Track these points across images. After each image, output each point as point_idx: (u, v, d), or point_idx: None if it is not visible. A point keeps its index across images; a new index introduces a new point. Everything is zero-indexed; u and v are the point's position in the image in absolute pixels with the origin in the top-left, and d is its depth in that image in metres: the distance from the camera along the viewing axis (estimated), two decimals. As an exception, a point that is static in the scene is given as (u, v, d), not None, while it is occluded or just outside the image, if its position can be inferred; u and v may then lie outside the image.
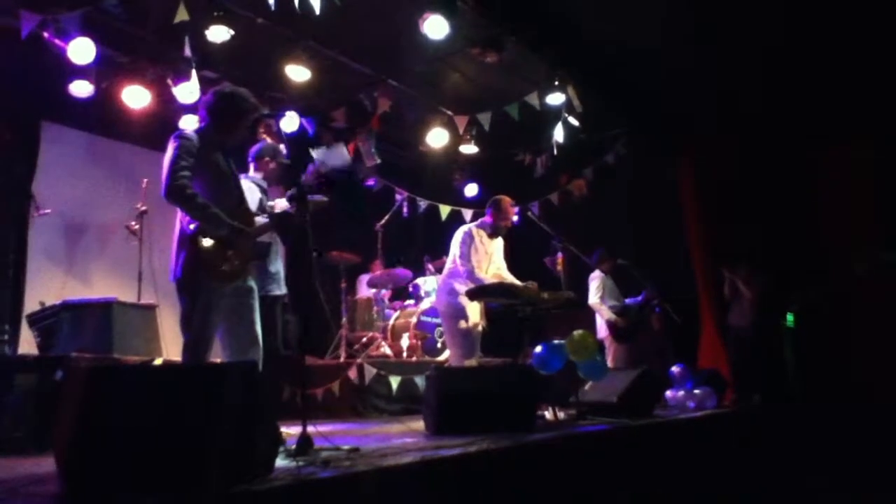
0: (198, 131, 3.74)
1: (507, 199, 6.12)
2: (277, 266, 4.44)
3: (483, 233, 6.04)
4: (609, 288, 7.59)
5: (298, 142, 7.03)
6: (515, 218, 6.41)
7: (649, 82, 7.69)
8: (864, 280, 7.64)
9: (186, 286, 3.55)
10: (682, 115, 8.23)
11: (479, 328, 5.97)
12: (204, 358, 3.54)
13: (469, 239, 5.95)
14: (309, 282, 4.37)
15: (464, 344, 5.81)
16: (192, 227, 3.52)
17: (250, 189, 4.46)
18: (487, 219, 6.12)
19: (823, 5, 6.34)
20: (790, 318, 7.80)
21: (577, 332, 5.34)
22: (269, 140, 7.02)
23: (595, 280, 7.56)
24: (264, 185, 4.59)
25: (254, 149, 4.72)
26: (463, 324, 5.80)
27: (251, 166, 4.69)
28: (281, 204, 4.49)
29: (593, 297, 7.53)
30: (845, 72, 7.28)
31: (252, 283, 3.78)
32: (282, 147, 4.85)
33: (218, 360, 3.86)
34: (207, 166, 3.65)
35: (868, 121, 7.73)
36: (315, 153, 4.49)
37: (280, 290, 4.35)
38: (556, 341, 5.29)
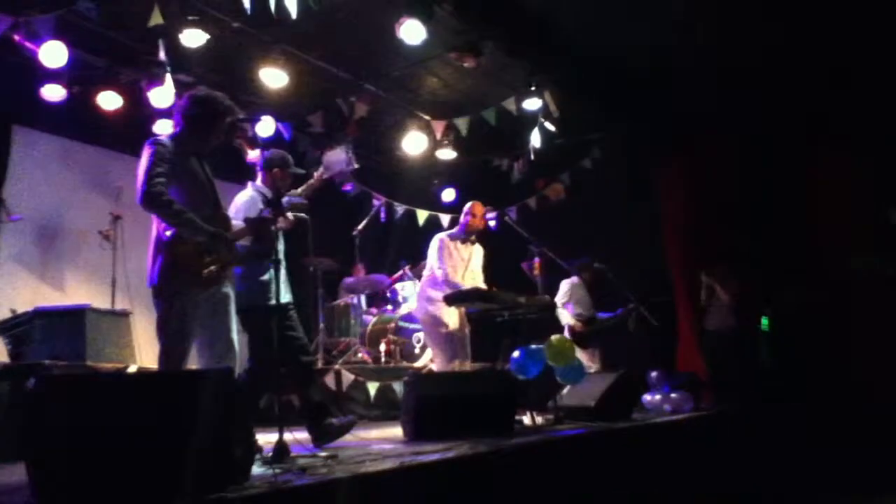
0: (172, 136, 3.70)
1: (477, 203, 6.17)
2: (272, 275, 4.31)
3: (456, 240, 6.08)
4: (580, 296, 7.56)
5: (276, 147, 7.00)
6: (492, 222, 6.44)
7: (642, 82, 7.72)
8: (855, 282, 7.70)
9: (163, 292, 3.51)
10: (678, 115, 8.25)
11: (465, 333, 5.97)
12: (180, 365, 3.50)
13: (442, 245, 6.00)
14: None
15: (446, 349, 5.83)
16: (168, 233, 3.50)
17: (253, 199, 4.34)
18: (459, 227, 6.17)
19: (823, 5, 6.41)
20: (765, 321, 7.87)
21: (554, 338, 5.35)
22: (244, 144, 6.96)
23: (565, 285, 7.52)
24: (269, 195, 4.42)
25: (262, 157, 4.58)
26: (442, 330, 5.82)
27: (259, 175, 4.56)
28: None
29: (558, 301, 7.51)
30: (844, 72, 7.35)
31: (229, 290, 3.75)
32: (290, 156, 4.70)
33: (194, 367, 3.82)
34: (182, 172, 3.61)
35: (868, 121, 7.78)
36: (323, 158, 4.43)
37: (272, 300, 4.23)
38: (533, 346, 5.29)
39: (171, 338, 3.49)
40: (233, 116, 3.84)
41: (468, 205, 6.18)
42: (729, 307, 7.50)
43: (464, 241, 6.11)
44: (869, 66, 7.22)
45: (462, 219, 6.17)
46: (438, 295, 5.80)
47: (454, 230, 6.23)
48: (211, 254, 3.55)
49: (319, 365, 7.01)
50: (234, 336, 3.72)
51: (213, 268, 3.56)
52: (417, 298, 6.27)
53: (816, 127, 7.92)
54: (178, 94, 6.32)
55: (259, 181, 4.50)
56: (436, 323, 5.85)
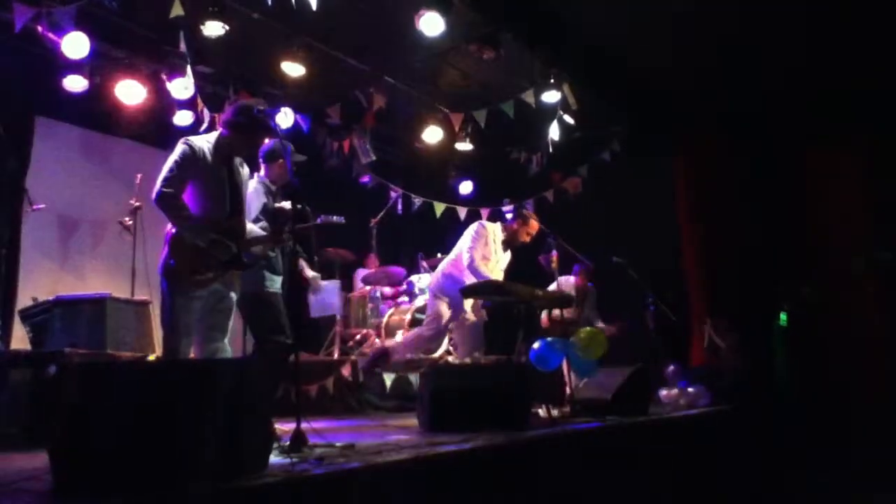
0: (210, 140, 3.80)
1: (536, 222, 6.07)
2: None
3: (500, 233, 5.99)
4: None
5: (292, 138, 7.03)
6: (509, 215, 6.40)
7: (647, 80, 7.68)
8: (859, 279, 7.65)
9: (163, 286, 3.67)
10: (679, 113, 8.22)
11: (480, 318, 5.95)
12: (182, 354, 3.61)
13: (483, 233, 5.90)
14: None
15: (473, 334, 5.80)
16: (174, 229, 3.66)
17: (256, 191, 4.38)
18: (507, 230, 6.07)
19: (823, 6, 6.35)
20: (783, 317, 7.81)
21: (584, 330, 5.35)
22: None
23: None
24: (273, 187, 4.48)
25: (263, 148, 4.59)
26: (466, 316, 5.81)
27: (262, 167, 4.59)
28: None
29: None
30: (844, 72, 7.29)
31: (230, 293, 3.81)
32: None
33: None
34: (206, 174, 3.72)
35: (866, 120, 7.73)
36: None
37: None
38: (550, 339, 5.28)
39: (169, 331, 3.66)
40: (270, 137, 4.05)
41: (527, 218, 6.04)
42: (728, 351, 7.47)
43: (504, 241, 6.03)
44: (868, 64, 7.16)
45: (514, 225, 6.03)
46: (461, 281, 5.74)
47: (505, 223, 6.12)
48: (208, 260, 3.65)
49: (336, 356, 7.04)
50: (226, 341, 3.79)
51: (210, 270, 3.66)
52: (441, 280, 6.15)
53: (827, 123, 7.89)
54: (198, 86, 6.37)
55: (263, 173, 4.55)
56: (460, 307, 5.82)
